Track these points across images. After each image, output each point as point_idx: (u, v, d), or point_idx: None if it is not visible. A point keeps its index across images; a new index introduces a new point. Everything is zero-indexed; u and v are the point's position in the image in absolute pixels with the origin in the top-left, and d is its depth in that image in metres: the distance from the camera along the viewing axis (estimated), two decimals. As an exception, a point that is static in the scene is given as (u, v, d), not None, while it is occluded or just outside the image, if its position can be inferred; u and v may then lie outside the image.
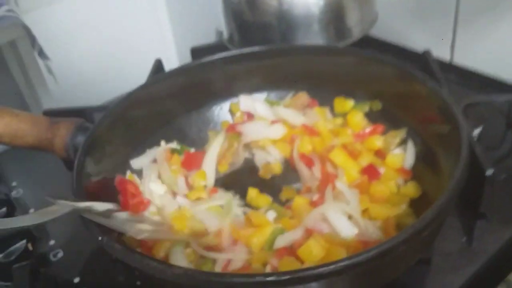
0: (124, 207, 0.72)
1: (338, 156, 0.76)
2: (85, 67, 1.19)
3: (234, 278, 0.48)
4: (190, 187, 0.81)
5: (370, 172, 0.74)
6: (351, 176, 0.74)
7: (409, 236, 0.50)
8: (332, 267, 0.48)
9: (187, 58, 1.22)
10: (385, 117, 0.83)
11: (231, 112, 0.92)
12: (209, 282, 0.49)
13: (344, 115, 0.87)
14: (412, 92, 0.77)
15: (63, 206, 0.60)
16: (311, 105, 0.89)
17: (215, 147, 0.85)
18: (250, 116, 0.90)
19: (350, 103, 0.87)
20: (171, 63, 1.11)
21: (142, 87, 0.82)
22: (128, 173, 0.79)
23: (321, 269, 0.48)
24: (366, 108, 0.85)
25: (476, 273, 0.65)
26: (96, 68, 1.19)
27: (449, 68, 1.06)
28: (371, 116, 0.85)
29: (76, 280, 0.72)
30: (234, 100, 0.92)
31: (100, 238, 0.55)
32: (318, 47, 0.94)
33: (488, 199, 0.71)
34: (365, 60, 0.84)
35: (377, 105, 0.85)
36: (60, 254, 0.77)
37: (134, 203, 0.72)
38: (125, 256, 0.53)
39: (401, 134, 0.79)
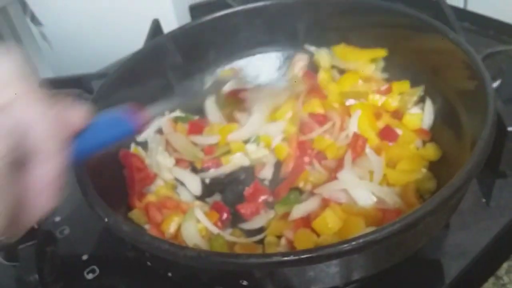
0: (130, 182, 0.69)
1: (357, 118, 0.72)
2: (79, 31, 1.14)
3: (251, 259, 0.46)
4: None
5: (387, 134, 0.70)
6: (370, 139, 0.70)
7: (436, 206, 0.47)
8: (353, 243, 0.45)
9: (186, 17, 1.17)
10: (401, 73, 0.79)
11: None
12: (224, 264, 0.46)
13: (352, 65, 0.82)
14: (430, 44, 0.72)
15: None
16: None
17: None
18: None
19: (356, 50, 0.82)
20: (169, 23, 1.06)
21: (139, 53, 0.78)
22: (133, 146, 0.76)
23: (340, 247, 0.45)
24: (376, 59, 0.81)
25: (495, 236, 0.63)
26: (91, 32, 1.14)
27: (464, 15, 1.00)
28: (386, 73, 0.81)
29: (85, 257, 0.70)
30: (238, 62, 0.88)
31: (106, 219, 0.53)
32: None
33: (509, 156, 0.67)
34: (375, 9, 0.78)
35: (382, 53, 0.80)
36: (67, 231, 0.75)
37: (141, 177, 0.70)
38: (134, 237, 0.51)
39: (418, 91, 0.75)
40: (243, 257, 0.46)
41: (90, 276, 0.67)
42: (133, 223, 0.65)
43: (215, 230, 0.63)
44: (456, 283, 0.59)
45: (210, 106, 0.83)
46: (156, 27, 1.00)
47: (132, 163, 0.70)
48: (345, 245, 0.45)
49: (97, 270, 0.67)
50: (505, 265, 0.60)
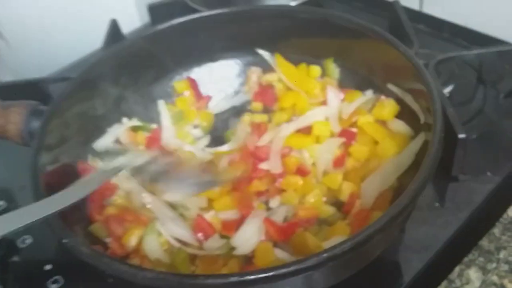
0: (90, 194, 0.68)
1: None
2: (39, 28, 1.11)
3: (209, 280, 0.47)
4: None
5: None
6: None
7: (384, 224, 0.49)
8: (309, 262, 0.47)
9: (147, 16, 1.16)
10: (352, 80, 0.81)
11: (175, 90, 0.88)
12: (183, 285, 0.47)
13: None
14: (382, 54, 0.74)
15: (104, 173, 0.61)
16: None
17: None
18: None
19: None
20: (131, 21, 1.05)
21: (95, 63, 0.77)
22: (90, 157, 0.75)
23: (295, 266, 0.47)
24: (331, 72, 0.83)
25: (448, 239, 0.65)
26: (48, 30, 1.12)
27: (419, 17, 1.03)
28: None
29: (48, 267, 0.70)
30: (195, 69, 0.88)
31: (64, 240, 0.53)
32: (272, 8, 0.91)
33: (460, 161, 0.70)
34: (320, 18, 0.80)
35: (330, 63, 0.82)
36: (29, 240, 0.74)
37: (101, 189, 0.69)
38: (93, 259, 0.51)
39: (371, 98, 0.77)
40: (201, 278, 0.47)
41: (54, 287, 0.67)
42: (93, 238, 0.65)
43: (176, 244, 0.63)
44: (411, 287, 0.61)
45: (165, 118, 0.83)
46: (114, 27, 0.99)
47: None
48: (301, 264, 0.47)
49: (62, 280, 0.67)
50: (457, 269, 0.63)
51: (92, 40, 0.99)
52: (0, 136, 0.71)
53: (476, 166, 0.73)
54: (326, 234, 0.62)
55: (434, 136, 0.56)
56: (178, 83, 0.87)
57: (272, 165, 0.72)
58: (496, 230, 0.66)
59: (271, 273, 0.46)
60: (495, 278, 0.61)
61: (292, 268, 0.46)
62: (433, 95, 0.60)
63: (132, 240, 0.64)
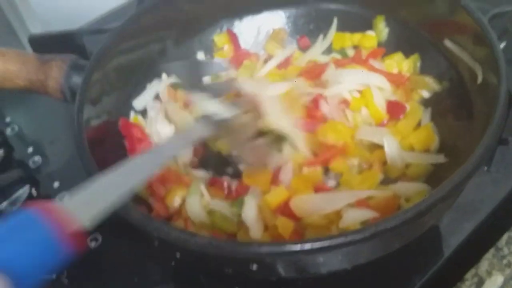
0: (131, 153, 0.68)
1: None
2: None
3: (262, 248, 0.46)
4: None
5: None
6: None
7: (444, 195, 0.47)
8: (365, 231, 0.45)
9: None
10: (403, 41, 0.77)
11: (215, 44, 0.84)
12: (236, 252, 0.46)
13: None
14: (437, 9, 0.70)
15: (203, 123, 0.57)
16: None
17: None
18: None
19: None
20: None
21: (132, 17, 0.73)
22: (132, 114, 0.74)
23: (350, 237, 0.45)
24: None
25: (497, 205, 0.63)
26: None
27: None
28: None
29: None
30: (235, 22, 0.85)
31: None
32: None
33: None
34: None
35: (380, 21, 0.78)
36: (67, 197, 0.74)
37: (142, 148, 0.68)
38: (142, 224, 0.50)
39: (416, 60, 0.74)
40: (255, 246, 0.46)
41: (93, 244, 0.67)
42: (137, 198, 0.64)
43: (217, 206, 0.63)
44: (457, 254, 0.60)
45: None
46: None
47: (133, 133, 0.68)
48: (355, 235, 0.45)
49: (100, 238, 0.68)
50: (505, 236, 0.61)
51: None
52: (40, 91, 0.70)
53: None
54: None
55: (499, 98, 0.53)
56: (218, 36, 0.84)
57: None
58: (545, 198, 0.64)
59: (325, 244, 0.45)
60: (543, 245, 0.60)
61: (344, 239, 0.45)
62: (498, 54, 0.56)
63: (175, 201, 0.63)
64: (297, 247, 0.45)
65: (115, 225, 0.58)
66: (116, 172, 0.44)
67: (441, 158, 0.65)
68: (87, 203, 0.37)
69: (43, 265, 0.33)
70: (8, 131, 0.87)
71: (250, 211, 0.60)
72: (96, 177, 0.44)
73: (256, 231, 0.59)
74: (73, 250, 0.34)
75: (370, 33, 0.79)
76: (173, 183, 0.65)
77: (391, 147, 0.65)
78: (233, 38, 0.83)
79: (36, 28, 1.05)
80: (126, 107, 0.74)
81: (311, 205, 0.59)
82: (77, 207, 0.36)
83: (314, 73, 0.75)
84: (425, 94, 0.72)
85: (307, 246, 0.45)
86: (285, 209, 0.60)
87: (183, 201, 0.64)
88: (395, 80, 0.74)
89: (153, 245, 0.55)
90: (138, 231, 0.50)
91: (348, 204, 0.59)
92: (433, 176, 0.64)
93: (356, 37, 0.80)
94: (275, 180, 0.65)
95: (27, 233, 0.33)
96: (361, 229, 0.46)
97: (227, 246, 0.47)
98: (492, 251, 0.60)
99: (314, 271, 0.52)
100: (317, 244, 0.45)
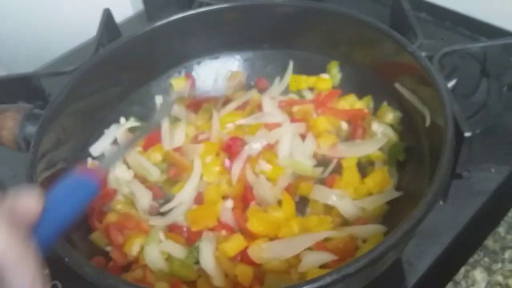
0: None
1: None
2: (26, 22, 1.07)
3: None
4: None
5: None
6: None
7: (395, 241, 0.48)
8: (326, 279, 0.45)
9: (140, 5, 1.12)
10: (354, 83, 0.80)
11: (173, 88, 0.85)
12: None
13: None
14: (387, 54, 0.72)
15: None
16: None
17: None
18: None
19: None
20: (123, 10, 1.01)
21: (90, 63, 0.74)
22: (90, 161, 0.74)
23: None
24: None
25: (453, 238, 0.65)
26: (39, 21, 1.08)
27: (421, 6, 1.00)
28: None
29: (45, 271, 0.67)
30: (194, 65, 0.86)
31: (66, 259, 0.51)
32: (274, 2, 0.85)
33: (465, 159, 0.69)
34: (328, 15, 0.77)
35: (334, 66, 0.81)
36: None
37: (100, 195, 0.67)
38: (96, 279, 0.49)
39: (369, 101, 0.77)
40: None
41: (52, 292, 0.66)
42: (94, 246, 0.63)
43: (176, 253, 0.62)
44: None
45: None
46: (108, 16, 0.95)
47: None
48: (317, 282, 0.45)
49: (59, 286, 0.65)
50: (462, 270, 0.62)
51: (84, 30, 0.95)
52: (-6, 141, 0.69)
53: (480, 162, 0.72)
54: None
55: (446, 142, 0.55)
56: (176, 80, 0.84)
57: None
58: (501, 229, 0.65)
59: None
60: (500, 278, 0.61)
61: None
62: (444, 99, 0.58)
63: (133, 249, 0.63)
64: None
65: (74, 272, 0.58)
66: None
67: (395, 194, 0.66)
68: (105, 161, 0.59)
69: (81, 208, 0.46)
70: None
71: (207, 258, 0.60)
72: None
73: (217, 279, 0.60)
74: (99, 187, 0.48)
75: (325, 76, 0.81)
76: (131, 230, 0.65)
77: (342, 205, 0.65)
78: (191, 82, 0.84)
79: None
80: (83, 153, 0.73)
81: (270, 252, 0.60)
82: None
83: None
84: (379, 134, 0.74)
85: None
86: (243, 256, 0.60)
87: (142, 249, 0.63)
88: (356, 114, 0.76)
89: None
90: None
91: (307, 248, 0.60)
92: (389, 216, 0.66)
93: (312, 79, 0.82)
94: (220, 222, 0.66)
95: (79, 192, 0.46)
96: (320, 276, 0.46)
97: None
98: (450, 285, 0.61)
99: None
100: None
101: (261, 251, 0.59)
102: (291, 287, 0.45)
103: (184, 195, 0.70)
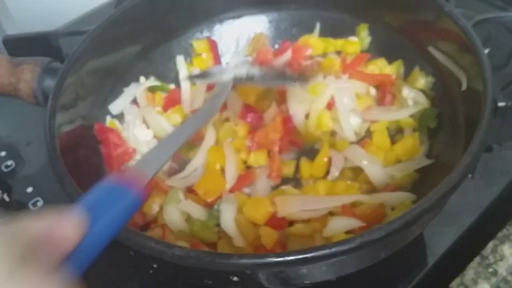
0: (107, 158, 0.65)
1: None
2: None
3: (242, 259, 0.44)
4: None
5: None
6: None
7: (429, 206, 0.46)
8: (349, 243, 0.43)
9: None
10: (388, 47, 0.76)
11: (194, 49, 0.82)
12: (215, 264, 0.44)
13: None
14: (422, 16, 0.69)
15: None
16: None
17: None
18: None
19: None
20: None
21: (110, 20, 0.71)
22: (108, 119, 0.71)
23: (334, 248, 0.43)
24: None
25: (481, 212, 0.63)
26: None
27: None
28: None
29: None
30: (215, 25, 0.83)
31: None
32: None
33: (497, 131, 0.66)
34: None
35: (363, 29, 0.78)
36: (40, 203, 0.71)
37: (119, 154, 0.66)
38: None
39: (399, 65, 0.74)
40: (235, 258, 0.44)
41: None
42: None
43: (196, 214, 0.61)
44: (441, 263, 0.59)
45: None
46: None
47: (109, 139, 0.66)
48: (340, 246, 0.43)
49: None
50: (490, 244, 0.60)
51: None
52: (11, 95, 0.67)
53: (508, 138, 0.69)
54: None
55: (485, 106, 0.52)
56: (197, 42, 0.81)
57: None
58: (532, 203, 0.63)
59: (309, 255, 0.43)
60: (529, 254, 0.59)
61: (327, 251, 0.43)
62: (483, 62, 0.56)
63: (152, 209, 0.61)
64: (280, 258, 0.43)
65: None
66: (164, 140, 0.58)
67: (426, 161, 0.64)
68: (151, 161, 0.46)
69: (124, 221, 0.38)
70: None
71: (228, 220, 0.58)
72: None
73: (239, 240, 0.58)
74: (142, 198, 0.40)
75: (353, 38, 0.78)
76: (150, 190, 0.63)
77: (372, 170, 0.63)
78: (213, 46, 0.81)
79: (12, 30, 1.01)
80: (102, 111, 0.71)
81: (296, 203, 0.58)
82: (145, 165, 0.45)
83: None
84: (410, 101, 0.71)
85: (290, 257, 0.43)
86: (268, 220, 0.58)
87: (161, 209, 0.62)
88: (383, 80, 0.73)
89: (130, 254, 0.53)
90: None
91: (333, 212, 0.59)
92: (418, 184, 0.63)
93: (339, 42, 0.79)
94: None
95: (116, 203, 0.37)
96: (346, 240, 0.44)
97: (206, 258, 0.44)
98: (477, 259, 0.59)
99: (297, 282, 0.50)
100: (301, 256, 0.43)
101: (288, 201, 0.58)
102: (318, 248, 0.44)
103: (198, 161, 0.68)
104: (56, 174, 0.54)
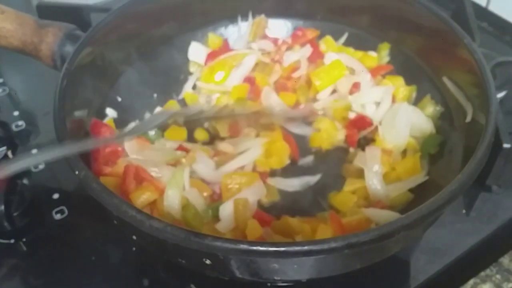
0: (95, 154, 0.63)
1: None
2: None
3: (217, 242, 0.44)
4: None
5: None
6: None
7: (413, 221, 0.47)
8: (323, 244, 0.44)
9: None
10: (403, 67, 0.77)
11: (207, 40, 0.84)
12: (189, 242, 0.45)
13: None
14: (441, 43, 0.70)
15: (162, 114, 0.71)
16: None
17: None
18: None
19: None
20: None
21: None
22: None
23: (309, 246, 0.44)
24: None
25: (470, 248, 0.63)
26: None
27: (484, 15, 0.97)
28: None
29: (55, 196, 0.69)
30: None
31: (77, 172, 0.51)
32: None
33: (498, 171, 0.66)
34: None
35: (385, 48, 0.79)
36: (42, 165, 0.73)
37: (107, 153, 0.64)
38: (102, 197, 0.49)
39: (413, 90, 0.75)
40: (209, 239, 0.44)
41: (58, 216, 0.66)
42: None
43: (195, 200, 0.61)
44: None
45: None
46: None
47: (101, 133, 0.65)
48: (315, 245, 0.44)
49: (66, 211, 0.67)
50: (471, 281, 0.59)
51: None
52: (32, 54, 0.69)
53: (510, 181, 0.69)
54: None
55: (484, 138, 0.52)
56: (212, 36, 0.83)
57: None
58: (520, 251, 0.63)
59: (281, 249, 0.44)
60: (508, 299, 0.58)
61: (302, 248, 0.44)
62: (491, 96, 0.56)
63: (140, 199, 0.60)
64: (253, 247, 0.44)
65: (83, 201, 0.58)
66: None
67: (419, 179, 0.65)
68: None
69: None
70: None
71: (228, 207, 0.60)
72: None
73: (224, 225, 0.59)
74: None
75: (372, 53, 0.79)
76: (145, 182, 0.62)
77: (374, 180, 0.64)
78: (225, 44, 0.83)
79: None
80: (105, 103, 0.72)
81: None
82: None
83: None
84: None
85: (263, 248, 0.44)
86: (257, 214, 0.60)
87: (148, 203, 0.61)
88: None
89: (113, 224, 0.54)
90: (101, 209, 0.49)
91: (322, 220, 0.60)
92: (411, 207, 0.63)
93: (358, 54, 0.80)
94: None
95: None
96: (319, 240, 0.45)
97: (182, 235, 0.45)
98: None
99: (268, 277, 0.50)
100: (273, 248, 0.44)
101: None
102: (291, 244, 0.45)
103: None
104: (56, 128, 0.56)
